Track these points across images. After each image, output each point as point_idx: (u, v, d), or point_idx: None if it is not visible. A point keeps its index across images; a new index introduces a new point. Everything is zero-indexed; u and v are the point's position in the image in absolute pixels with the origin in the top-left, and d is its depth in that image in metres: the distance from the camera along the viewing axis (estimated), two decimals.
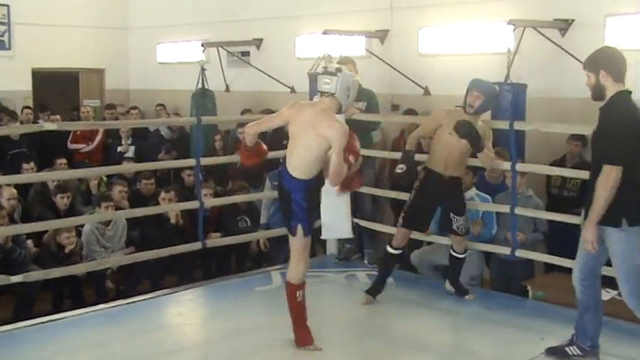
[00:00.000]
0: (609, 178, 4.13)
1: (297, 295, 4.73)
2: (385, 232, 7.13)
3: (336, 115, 4.64)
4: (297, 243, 4.70)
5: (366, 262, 6.85)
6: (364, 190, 6.76)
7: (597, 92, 4.29)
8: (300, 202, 4.61)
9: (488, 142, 5.55)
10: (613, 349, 4.65)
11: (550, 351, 4.64)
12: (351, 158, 4.66)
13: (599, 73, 4.25)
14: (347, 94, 4.59)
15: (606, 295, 5.00)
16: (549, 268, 6.70)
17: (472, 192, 6.37)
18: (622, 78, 4.26)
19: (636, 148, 4.21)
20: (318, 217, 5.78)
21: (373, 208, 7.35)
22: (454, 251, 5.80)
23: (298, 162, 4.59)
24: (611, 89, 4.24)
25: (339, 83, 4.53)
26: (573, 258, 4.57)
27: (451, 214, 5.63)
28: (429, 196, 5.59)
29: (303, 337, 4.77)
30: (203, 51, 10.79)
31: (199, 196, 6.59)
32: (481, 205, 6.24)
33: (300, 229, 4.64)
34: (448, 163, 5.51)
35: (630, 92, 4.28)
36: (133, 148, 10.00)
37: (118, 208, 7.41)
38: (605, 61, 4.27)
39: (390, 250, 5.74)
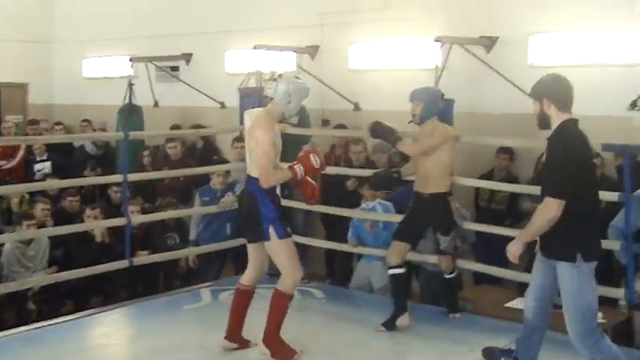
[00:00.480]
0: (549, 211, 4.01)
1: (287, 306, 4.71)
2: (316, 247, 7.13)
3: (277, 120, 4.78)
4: (277, 249, 4.65)
5: None
6: (296, 204, 6.73)
7: (542, 121, 4.16)
8: (266, 202, 4.61)
9: (425, 138, 5.38)
10: None
11: (485, 353, 4.68)
12: (297, 167, 4.67)
13: (543, 102, 4.12)
14: (287, 100, 4.68)
15: None
16: (477, 280, 6.80)
17: (375, 202, 6.51)
18: (567, 107, 4.11)
19: (586, 179, 4.08)
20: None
21: (304, 222, 7.34)
22: (444, 272, 5.67)
23: (251, 165, 4.73)
24: (555, 118, 4.10)
25: (278, 88, 4.67)
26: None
27: (438, 234, 5.56)
28: (416, 214, 5.52)
29: (285, 351, 4.71)
30: (131, 66, 10.60)
31: (126, 212, 6.44)
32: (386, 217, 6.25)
33: (272, 231, 4.58)
34: (421, 180, 5.46)
35: (577, 120, 4.13)
36: (49, 163, 9.71)
37: (40, 226, 7.17)
38: (548, 90, 4.14)
39: (390, 271, 5.55)
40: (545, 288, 4.31)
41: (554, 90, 4.14)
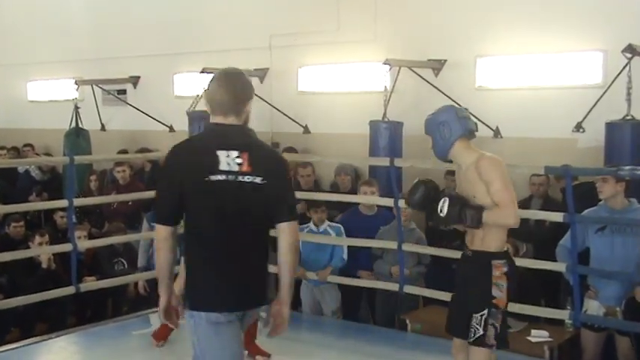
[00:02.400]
0: (156, 236, 3.24)
1: None
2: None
3: None
4: None
5: None
6: None
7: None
8: None
9: (486, 185, 3.87)
10: None
11: None
12: None
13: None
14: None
15: None
16: (428, 300, 6.84)
17: (325, 225, 6.46)
18: (215, 110, 3.26)
19: (190, 203, 3.12)
20: None
21: None
22: None
23: None
24: None
25: None
26: (449, 290, 4.63)
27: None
28: (457, 289, 4.28)
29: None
30: (77, 89, 10.44)
31: (72, 238, 6.32)
32: (365, 242, 6.28)
33: None
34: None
35: (214, 125, 3.25)
36: None
37: None
38: None
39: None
40: None
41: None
